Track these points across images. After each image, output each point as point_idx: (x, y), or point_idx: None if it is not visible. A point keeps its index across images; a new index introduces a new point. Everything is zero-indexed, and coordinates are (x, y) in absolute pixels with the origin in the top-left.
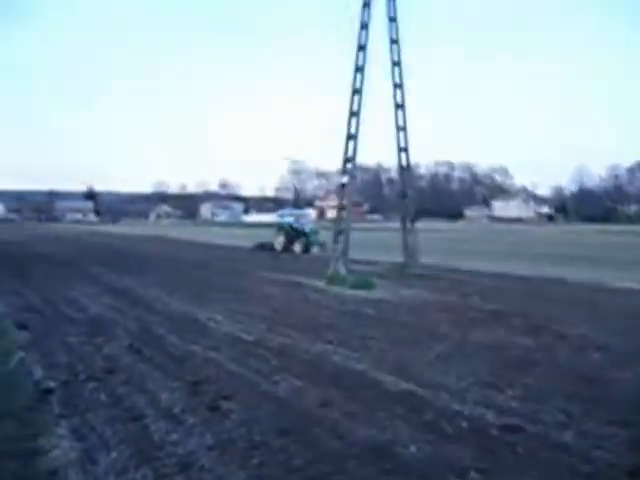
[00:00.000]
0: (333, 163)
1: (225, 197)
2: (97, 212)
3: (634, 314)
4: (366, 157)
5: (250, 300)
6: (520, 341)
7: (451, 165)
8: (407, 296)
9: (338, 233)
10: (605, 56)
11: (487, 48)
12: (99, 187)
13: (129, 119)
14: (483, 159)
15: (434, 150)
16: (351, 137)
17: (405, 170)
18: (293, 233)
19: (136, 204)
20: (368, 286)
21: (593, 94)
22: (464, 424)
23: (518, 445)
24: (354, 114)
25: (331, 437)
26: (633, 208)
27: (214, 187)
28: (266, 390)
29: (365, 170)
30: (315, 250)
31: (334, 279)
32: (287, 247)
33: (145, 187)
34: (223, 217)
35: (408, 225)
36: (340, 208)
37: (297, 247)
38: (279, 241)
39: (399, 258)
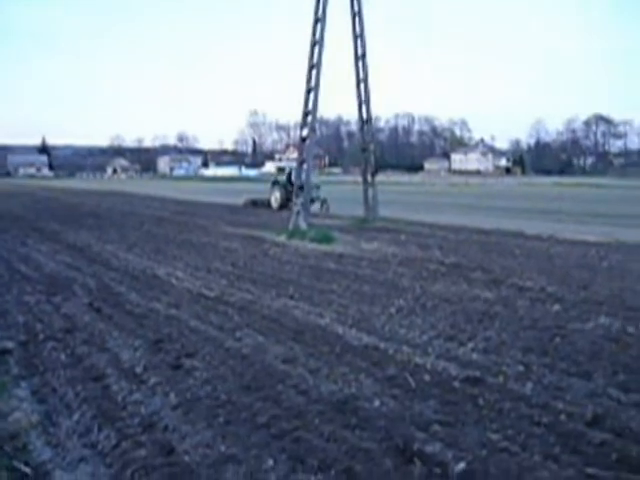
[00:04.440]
0: (293, 116)
1: (183, 150)
2: (51, 167)
3: (589, 265)
4: (326, 110)
5: (211, 256)
6: (480, 294)
7: (411, 118)
8: (368, 250)
9: (299, 187)
10: (568, 8)
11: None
12: (54, 141)
13: (85, 71)
14: (443, 112)
15: (394, 103)
16: (311, 90)
17: (366, 123)
18: (291, 188)
19: (92, 158)
20: (328, 240)
21: (552, 48)
22: (427, 377)
23: (479, 397)
24: (314, 66)
25: (295, 393)
26: (589, 161)
27: (172, 141)
28: (229, 347)
29: (325, 123)
30: (316, 206)
31: (295, 233)
32: (285, 203)
33: (101, 141)
34: (182, 171)
35: (368, 178)
36: (301, 162)
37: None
38: (275, 197)
39: (360, 212)
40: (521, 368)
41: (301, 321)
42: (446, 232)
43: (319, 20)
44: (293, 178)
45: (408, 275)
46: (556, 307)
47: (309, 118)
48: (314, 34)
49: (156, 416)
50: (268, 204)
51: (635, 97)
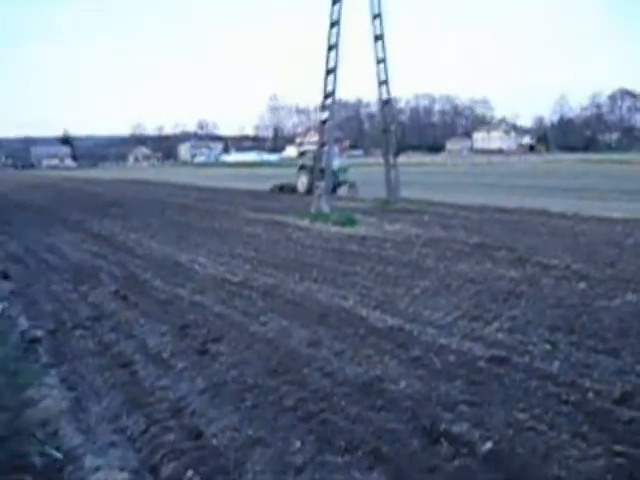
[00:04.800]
0: (313, 99)
1: (204, 137)
2: (74, 157)
3: (615, 242)
4: (345, 92)
5: (234, 241)
6: (505, 273)
7: (432, 98)
8: (391, 231)
9: (321, 171)
10: None
11: None
12: (76, 132)
13: (104, 62)
14: (464, 91)
15: (415, 83)
16: (330, 71)
17: (386, 104)
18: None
19: (114, 147)
20: (351, 222)
21: (573, 24)
22: (452, 358)
23: (505, 377)
24: (332, 47)
25: (321, 376)
26: (614, 136)
27: (192, 128)
28: (254, 331)
29: (344, 106)
30: (344, 190)
31: (318, 217)
32: (312, 188)
33: (122, 130)
34: (203, 158)
35: (390, 160)
36: (321, 145)
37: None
38: (302, 181)
39: (382, 193)
40: (547, 347)
41: (325, 304)
42: (469, 212)
43: (337, 0)
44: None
45: (432, 256)
46: (582, 285)
47: (329, 100)
48: (332, 15)
49: (184, 401)
50: (295, 189)
51: None
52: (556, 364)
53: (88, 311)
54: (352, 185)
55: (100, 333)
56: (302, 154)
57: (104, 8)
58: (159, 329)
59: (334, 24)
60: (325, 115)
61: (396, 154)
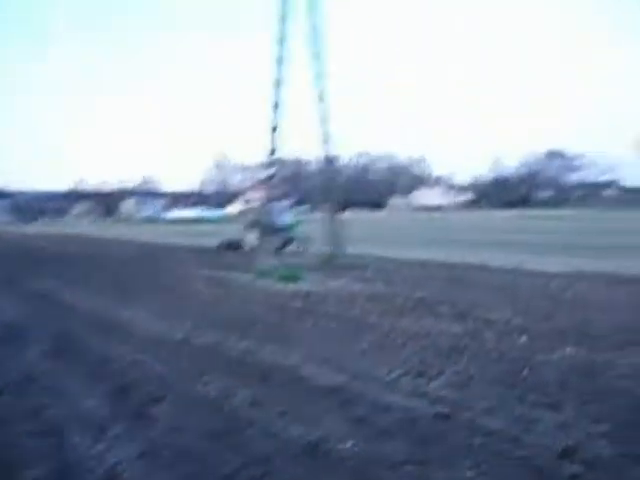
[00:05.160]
0: (258, 157)
1: (147, 193)
2: (12, 211)
3: (552, 296)
4: (286, 151)
5: (175, 298)
6: (448, 328)
7: (371, 156)
8: (335, 287)
9: (266, 227)
10: (520, 43)
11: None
12: (14, 186)
13: (44, 113)
14: (402, 150)
15: (355, 142)
16: (275, 128)
17: (330, 161)
18: (269, 228)
19: (54, 202)
20: (296, 278)
21: (504, 86)
22: (397, 415)
23: (450, 434)
24: (276, 105)
25: (262, 438)
26: (547, 194)
27: (136, 184)
28: (195, 391)
29: (285, 164)
30: (296, 246)
31: (262, 273)
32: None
33: (63, 185)
34: (146, 214)
35: (333, 216)
36: (267, 201)
37: (275, 243)
38: (249, 238)
39: (327, 249)
40: (492, 402)
41: (267, 362)
42: (411, 267)
43: (279, 60)
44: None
45: (375, 311)
46: (522, 339)
47: (272, 157)
48: (277, 74)
49: (118, 467)
50: (241, 246)
51: (587, 131)
52: (500, 419)
53: (19, 373)
54: (305, 240)
55: (31, 395)
56: (247, 211)
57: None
58: (95, 391)
59: (278, 83)
60: (271, 171)
61: (338, 210)
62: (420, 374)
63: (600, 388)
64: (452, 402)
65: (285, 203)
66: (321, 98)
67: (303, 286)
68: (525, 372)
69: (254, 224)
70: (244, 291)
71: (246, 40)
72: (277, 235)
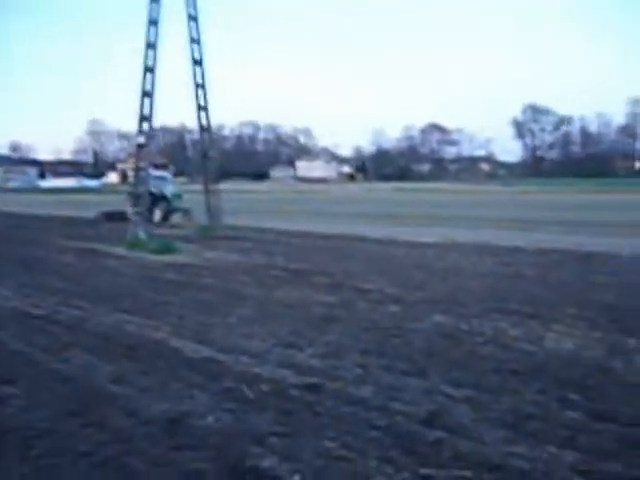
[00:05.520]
0: (135, 124)
1: (18, 161)
2: None
3: (426, 266)
4: (169, 118)
5: (44, 271)
6: (322, 299)
7: (256, 126)
8: (211, 258)
9: (136, 197)
10: (404, 19)
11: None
12: None
13: None
14: (287, 120)
15: (239, 111)
16: (146, 94)
17: (205, 130)
18: (151, 198)
19: None
20: (170, 250)
21: (386, 57)
22: (264, 387)
23: (317, 404)
24: (149, 69)
25: (123, 415)
26: (425, 167)
27: (4, 150)
28: (54, 369)
29: (169, 131)
30: (177, 218)
31: (135, 245)
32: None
33: None
34: (17, 183)
35: (210, 186)
36: (137, 169)
37: (157, 214)
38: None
39: (205, 220)
40: (359, 371)
41: (135, 336)
42: (290, 238)
43: (153, 22)
44: (151, 187)
45: (251, 283)
46: (394, 308)
47: (145, 124)
48: (149, 36)
49: None
50: (124, 217)
51: (465, 106)
52: (367, 388)
53: None
54: (187, 212)
55: None
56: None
57: None
58: None
59: (150, 45)
60: (141, 139)
61: (216, 180)
62: (291, 345)
63: (464, 355)
64: (321, 372)
65: (165, 173)
66: (197, 63)
67: (178, 258)
68: (395, 340)
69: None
70: (117, 263)
71: None
72: (159, 206)
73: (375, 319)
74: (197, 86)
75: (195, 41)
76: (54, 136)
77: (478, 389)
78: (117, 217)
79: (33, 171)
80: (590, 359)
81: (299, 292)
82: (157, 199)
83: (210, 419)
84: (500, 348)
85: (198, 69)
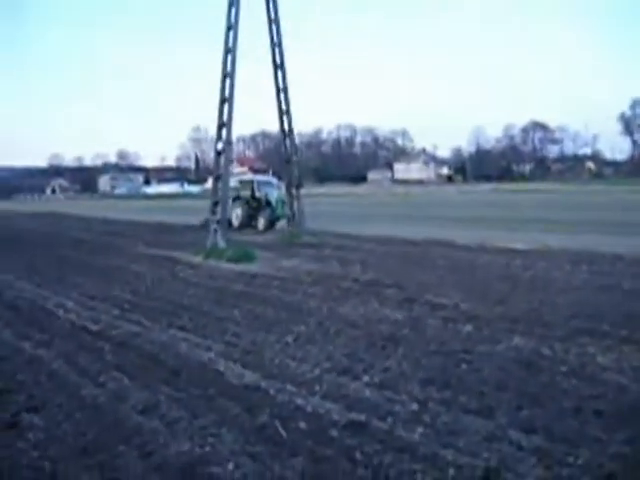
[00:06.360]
0: (236, 130)
1: (124, 168)
2: None
3: (513, 276)
4: (270, 124)
5: (114, 281)
6: (390, 315)
7: (353, 129)
8: (286, 268)
9: (215, 203)
10: (500, 19)
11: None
12: None
13: (20, 90)
14: (385, 122)
15: (337, 114)
16: (225, 100)
17: (288, 134)
18: (254, 204)
19: (31, 179)
20: (248, 258)
21: (485, 57)
22: (302, 425)
23: (357, 450)
24: (227, 75)
25: (136, 457)
26: (527, 167)
27: (113, 159)
28: (84, 395)
29: (267, 136)
30: (282, 224)
31: (212, 253)
32: (247, 222)
33: (40, 161)
34: (123, 189)
35: (293, 192)
36: (217, 177)
37: (261, 222)
38: (237, 215)
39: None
40: (415, 406)
41: (183, 357)
42: (373, 244)
43: (231, 27)
44: (256, 192)
45: (318, 295)
46: (468, 327)
47: (224, 130)
48: (227, 41)
49: None
50: (229, 223)
51: (568, 103)
52: (419, 430)
53: None
54: (290, 218)
55: None
56: (241, 184)
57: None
58: None
59: (229, 51)
60: (220, 146)
61: (298, 185)
62: (345, 371)
63: (540, 388)
64: (372, 407)
65: (271, 178)
66: (278, 67)
67: (253, 267)
68: (462, 367)
69: (240, 199)
70: (189, 272)
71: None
72: (263, 213)
73: (444, 340)
74: (279, 90)
75: (276, 44)
76: (159, 144)
77: (552, 436)
78: None
79: (138, 178)
80: None
81: (366, 306)
82: (261, 205)
83: (230, 466)
84: (585, 381)
85: (279, 73)
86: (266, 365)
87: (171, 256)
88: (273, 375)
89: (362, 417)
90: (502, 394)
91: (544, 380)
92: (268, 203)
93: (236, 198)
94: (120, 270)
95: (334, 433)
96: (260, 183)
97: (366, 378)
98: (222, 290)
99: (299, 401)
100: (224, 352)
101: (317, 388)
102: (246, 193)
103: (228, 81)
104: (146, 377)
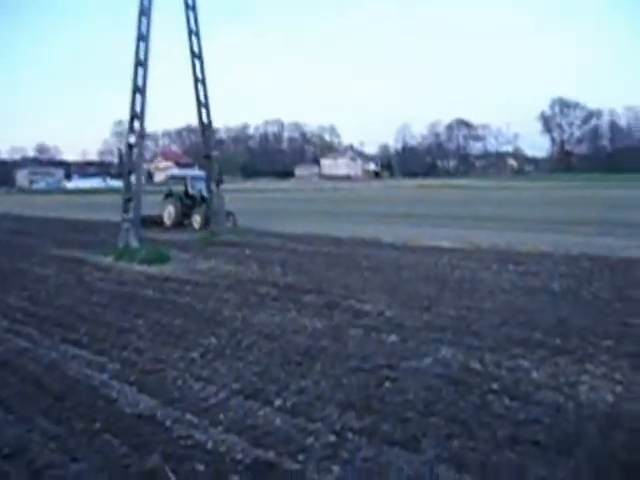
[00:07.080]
0: (160, 124)
1: (44, 163)
2: None
3: (440, 278)
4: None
5: (11, 287)
6: (309, 324)
7: (281, 124)
8: (202, 270)
9: (127, 200)
10: (426, 18)
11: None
12: None
13: None
14: (312, 118)
15: (264, 110)
16: (137, 90)
17: (206, 128)
18: (188, 201)
19: None
20: (161, 260)
21: (412, 56)
22: (199, 467)
23: None
24: (140, 64)
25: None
26: (452, 163)
27: (31, 152)
28: None
29: (193, 131)
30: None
31: (124, 254)
32: (181, 220)
33: None
34: (42, 184)
35: (213, 188)
36: (128, 172)
37: (197, 219)
38: (169, 213)
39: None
40: (332, 438)
41: (71, 380)
42: (297, 243)
43: (144, 12)
44: (189, 189)
45: (232, 302)
46: (392, 337)
47: (136, 122)
48: (140, 28)
49: None
50: (160, 221)
51: (491, 102)
52: (335, 470)
53: None
54: (230, 215)
55: None
56: (172, 179)
57: None
58: None
59: (142, 38)
60: (132, 139)
61: (219, 182)
62: (255, 394)
63: (472, 409)
64: (283, 440)
65: (201, 172)
66: (195, 57)
67: (166, 269)
68: (386, 386)
69: (173, 196)
70: (97, 275)
71: None
72: (198, 210)
73: (366, 354)
74: (197, 81)
75: (193, 33)
76: (80, 138)
77: (485, 475)
78: (152, 222)
79: (59, 172)
80: (638, 416)
81: (283, 315)
82: (196, 202)
83: None
84: (520, 401)
85: (197, 62)
86: (166, 388)
87: (80, 257)
88: (173, 400)
89: (270, 454)
90: (429, 420)
91: (475, 402)
92: (203, 199)
93: (168, 195)
94: (21, 274)
95: (235, 478)
96: (194, 179)
97: (278, 402)
98: (129, 297)
99: (198, 435)
100: (120, 373)
101: (221, 417)
102: (178, 189)
103: (141, 70)
104: (23, 407)
